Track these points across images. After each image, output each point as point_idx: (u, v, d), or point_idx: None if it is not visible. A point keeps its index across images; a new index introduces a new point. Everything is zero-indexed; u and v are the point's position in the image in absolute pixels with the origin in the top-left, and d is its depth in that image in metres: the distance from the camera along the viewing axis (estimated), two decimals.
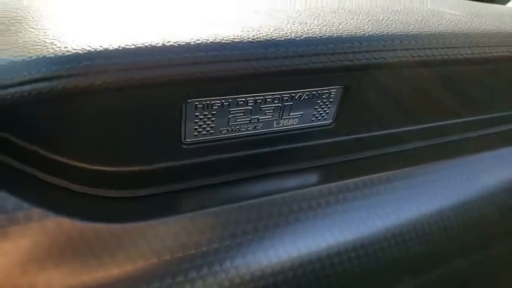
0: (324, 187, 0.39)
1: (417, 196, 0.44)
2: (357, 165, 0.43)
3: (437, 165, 0.47)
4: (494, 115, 0.54)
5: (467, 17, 0.44)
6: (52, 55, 0.23)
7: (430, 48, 0.39)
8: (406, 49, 0.37)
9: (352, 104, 0.40)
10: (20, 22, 0.30)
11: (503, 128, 0.55)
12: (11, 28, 0.29)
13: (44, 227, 0.29)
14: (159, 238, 0.32)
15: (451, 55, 0.40)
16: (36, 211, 0.29)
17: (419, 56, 0.38)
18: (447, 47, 0.40)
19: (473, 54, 0.41)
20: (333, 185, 0.40)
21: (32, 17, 0.30)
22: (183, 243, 0.32)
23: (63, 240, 0.29)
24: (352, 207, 0.40)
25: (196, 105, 0.33)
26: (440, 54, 0.39)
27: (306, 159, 0.41)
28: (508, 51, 0.43)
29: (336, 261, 0.40)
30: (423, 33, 0.39)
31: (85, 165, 0.31)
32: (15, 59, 0.25)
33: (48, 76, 0.23)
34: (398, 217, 0.43)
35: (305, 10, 0.39)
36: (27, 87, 0.24)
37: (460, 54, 0.40)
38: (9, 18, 0.31)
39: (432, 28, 0.40)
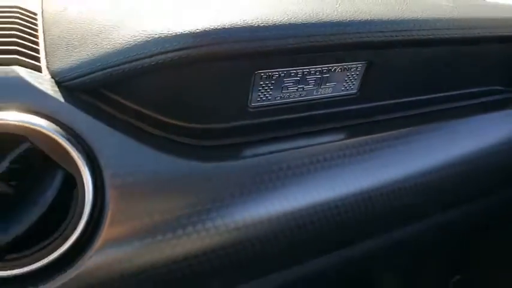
0: (349, 141, 0.50)
1: (415, 152, 0.56)
2: (373, 126, 0.54)
3: (430, 128, 0.58)
4: (474, 89, 0.66)
5: (459, 7, 0.55)
6: (187, 31, 0.33)
7: (427, 29, 0.49)
8: (413, 30, 0.48)
9: (372, 77, 0.50)
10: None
11: (482, 99, 0.67)
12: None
13: (158, 165, 0.39)
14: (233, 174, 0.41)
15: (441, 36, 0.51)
16: (151, 155, 0.38)
17: (423, 35, 0.49)
18: (438, 29, 0.50)
19: (458, 35, 0.52)
20: (355, 140, 0.50)
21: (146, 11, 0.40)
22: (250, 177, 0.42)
23: (170, 175, 0.39)
24: (368, 158, 0.51)
25: (262, 75, 0.43)
26: (437, 35, 0.50)
27: (336, 121, 0.51)
28: (490, 33, 0.55)
29: (360, 200, 0.51)
30: (426, 18, 0.50)
31: (183, 124, 0.41)
32: (153, 37, 0.35)
33: (189, 45, 0.33)
34: (398, 168, 0.54)
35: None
36: (169, 55, 0.34)
37: (447, 35, 0.51)
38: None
39: (431, 14, 0.51)
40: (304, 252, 0.51)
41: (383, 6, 0.50)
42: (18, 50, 0.40)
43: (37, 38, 0.44)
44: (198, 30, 0.34)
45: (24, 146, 0.34)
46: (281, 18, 0.39)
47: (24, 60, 0.39)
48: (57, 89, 0.38)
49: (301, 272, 0.56)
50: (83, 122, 0.37)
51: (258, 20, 0.37)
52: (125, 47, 0.37)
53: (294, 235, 0.47)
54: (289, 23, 0.39)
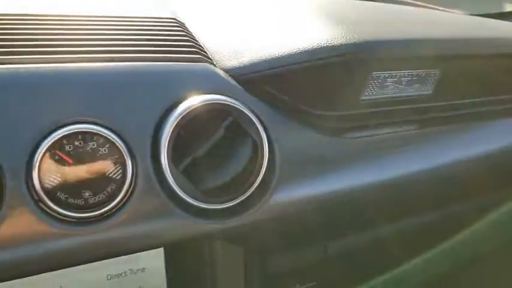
0: (421, 131, 0.64)
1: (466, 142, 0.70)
2: (439, 120, 0.69)
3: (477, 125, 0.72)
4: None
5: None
6: (349, 41, 0.48)
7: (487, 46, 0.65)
8: (479, 47, 0.63)
9: (443, 81, 0.65)
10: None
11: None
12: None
13: (307, 140, 0.53)
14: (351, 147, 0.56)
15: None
16: (301, 131, 0.53)
17: (484, 50, 0.64)
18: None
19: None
20: (426, 130, 0.65)
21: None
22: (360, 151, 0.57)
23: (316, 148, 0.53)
24: (433, 144, 0.66)
25: (373, 76, 0.58)
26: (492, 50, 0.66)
27: (414, 114, 0.66)
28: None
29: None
30: (476, 37, 0.65)
31: (320, 112, 0.55)
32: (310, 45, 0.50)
33: (343, 52, 0.48)
34: (454, 154, 0.68)
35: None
36: (321, 61, 0.49)
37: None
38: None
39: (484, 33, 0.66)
40: (388, 214, 0.65)
41: (448, 27, 0.66)
42: (198, 52, 0.54)
43: (198, 43, 0.58)
44: (348, 42, 0.49)
45: (229, 120, 0.48)
46: (400, 36, 0.54)
47: (205, 59, 0.53)
48: (235, 81, 0.52)
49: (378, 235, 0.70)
50: (258, 105, 0.51)
51: (387, 35, 0.52)
52: (289, 52, 0.52)
53: (382, 199, 0.61)
54: (405, 39, 0.54)
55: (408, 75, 0.61)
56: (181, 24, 0.61)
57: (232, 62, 0.54)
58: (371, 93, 0.60)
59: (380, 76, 0.58)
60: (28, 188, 0.40)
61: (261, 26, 0.61)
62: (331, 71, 0.52)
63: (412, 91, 0.64)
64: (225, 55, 0.56)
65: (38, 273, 0.43)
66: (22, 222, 0.40)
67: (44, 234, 0.41)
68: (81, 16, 0.56)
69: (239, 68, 0.53)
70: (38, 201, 0.41)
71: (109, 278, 0.50)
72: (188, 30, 0.60)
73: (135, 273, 0.51)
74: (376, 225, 0.62)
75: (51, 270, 0.44)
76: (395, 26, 0.58)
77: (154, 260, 0.51)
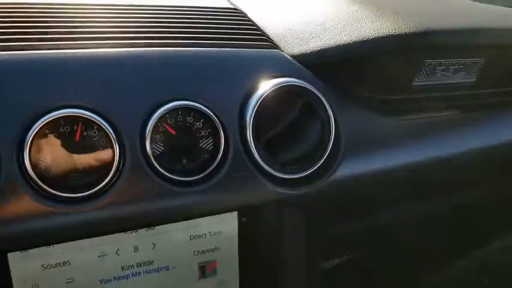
0: (464, 115, 0.70)
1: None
2: (482, 105, 0.74)
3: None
4: None
5: None
6: (409, 31, 0.54)
7: None
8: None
9: (485, 70, 0.70)
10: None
11: None
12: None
13: (365, 121, 0.59)
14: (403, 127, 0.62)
15: None
16: (361, 113, 0.59)
17: None
18: None
19: None
20: (470, 114, 0.70)
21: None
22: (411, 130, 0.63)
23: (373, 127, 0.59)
24: (473, 127, 0.71)
25: (425, 64, 0.63)
26: None
27: (460, 100, 0.71)
28: None
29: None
30: None
31: (376, 95, 0.61)
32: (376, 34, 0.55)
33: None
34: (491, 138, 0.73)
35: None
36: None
37: None
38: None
39: None
40: (433, 190, 0.71)
41: (492, 18, 0.71)
42: (266, 39, 0.60)
43: (263, 31, 0.64)
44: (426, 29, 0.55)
45: (302, 101, 0.54)
46: (453, 26, 0.59)
47: (274, 46, 0.60)
48: (303, 66, 0.58)
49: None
50: (324, 88, 0.57)
51: (442, 25, 0.58)
52: (355, 40, 0.57)
53: (428, 175, 0.67)
54: (458, 29, 0.59)
55: (455, 63, 0.66)
56: (245, 14, 0.67)
57: (299, 49, 0.60)
58: (422, 79, 0.65)
59: (431, 64, 0.64)
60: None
61: (316, 15, 0.67)
62: (391, 58, 0.58)
63: (458, 79, 0.69)
64: (290, 42, 0.62)
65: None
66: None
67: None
68: (157, 6, 0.62)
69: (306, 54, 0.59)
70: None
71: (191, 238, 0.57)
72: (251, 19, 0.66)
73: (213, 236, 0.58)
74: (422, 201, 0.69)
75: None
76: (447, 17, 0.63)
77: (229, 224, 0.58)
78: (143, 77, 0.48)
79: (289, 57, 0.58)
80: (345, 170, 0.57)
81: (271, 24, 0.66)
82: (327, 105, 0.55)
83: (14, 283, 0.48)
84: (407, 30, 0.54)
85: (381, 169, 0.60)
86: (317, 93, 0.55)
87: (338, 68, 0.59)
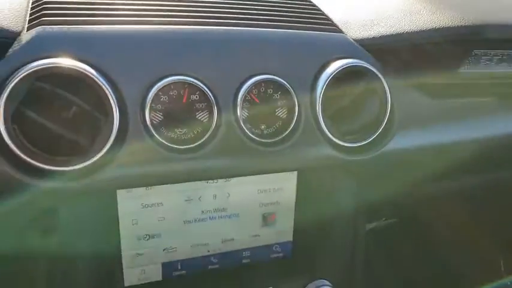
0: (502, 102, 0.77)
1: None
2: None
3: None
4: None
5: None
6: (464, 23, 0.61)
7: None
8: None
9: None
10: None
11: None
12: None
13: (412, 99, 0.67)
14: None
15: None
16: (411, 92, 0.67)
17: None
18: None
19: None
20: (507, 101, 0.78)
21: None
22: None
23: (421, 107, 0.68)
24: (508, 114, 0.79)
25: (473, 53, 0.71)
26: None
27: (498, 88, 0.79)
28: None
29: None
30: None
31: (428, 80, 0.69)
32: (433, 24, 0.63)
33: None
34: None
35: None
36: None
37: None
38: None
39: None
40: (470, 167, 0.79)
41: None
42: (331, 23, 0.68)
43: (328, 16, 0.72)
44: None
45: (365, 80, 0.63)
46: (505, 21, 0.66)
47: (339, 30, 0.68)
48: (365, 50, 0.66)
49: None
50: (383, 70, 0.65)
51: (491, 19, 0.65)
52: (416, 29, 0.65)
53: (468, 153, 0.75)
54: (507, 24, 0.67)
55: (499, 54, 0.74)
56: (312, 2, 0.75)
57: (362, 34, 0.68)
58: (467, 67, 0.73)
59: (478, 54, 0.71)
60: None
61: (378, 4, 0.74)
62: (444, 47, 0.66)
63: (499, 68, 0.76)
64: (354, 28, 0.70)
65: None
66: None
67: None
68: None
69: (368, 39, 0.67)
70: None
71: (258, 192, 0.67)
72: (318, 7, 0.74)
73: (275, 191, 0.68)
74: (461, 176, 0.77)
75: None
76: (498, 12, 0.70)
77: (289, 182, 0.68)
78: (237, 52, 0.57)
79: (352, 41, 0.66)
80: (396, 144, 0.65)
81: (336, 11, 0.74)
82: (386, 86, 0.63)
83: (119, 216, 0.59)
84: (462, 23, 0.62)
85: (426, 145, 0.68)
86: (378, 74, 0.63)
87: (396, 52, 0.67)
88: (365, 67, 0.62)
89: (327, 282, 0.71)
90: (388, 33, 0.66)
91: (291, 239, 0.72)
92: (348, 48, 0.65)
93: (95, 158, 0.50)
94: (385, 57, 0.67)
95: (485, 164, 0.78)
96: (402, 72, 0.68)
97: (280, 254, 0.72)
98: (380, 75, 0.63)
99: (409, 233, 0.89)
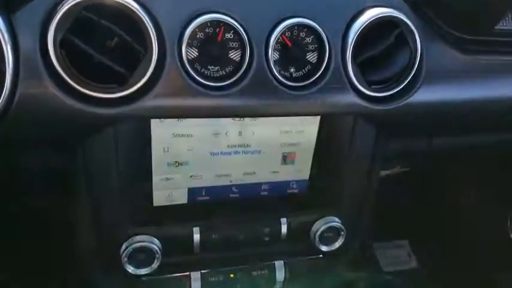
0: None
1: None
2: None
3: None
4: None
5: None
6: None
7: None
8: None
9: None
10: None
11: None
12: None
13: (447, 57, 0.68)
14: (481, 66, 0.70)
15: None
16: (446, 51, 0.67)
17: None
18: None
19: None
20: None
21: None
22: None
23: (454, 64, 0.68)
24: None
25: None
26: None
27: None
28: None
29: None
30: None
31: (461, 35, 0.69)
32: None
33: None
34: None
35: None
36: None
37: None
38: None
39: None
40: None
41: None
42: None
43: None
44: None
45: (398, 30, 0.63)
46: None
47: None
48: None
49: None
50: (417, 22, 0.65)
51: None
52: None
53: (495, 111, 0.75)
54: None
55: None
56: None
57: None
58: (504, 24, 0.72)
59: None
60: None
61: None
62: (483, 2, 0.65)
63: None
64: None
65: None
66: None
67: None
68: None
69: None
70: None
71: (281, 132, 0.71)
72: None
73: (297, 133, 0.72)
74: (479, 134, 0.79)
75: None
76: None
77: (311, 125, 0.71)
78: None
79: None
80: (421, 96, 0.67)
81: None
82: (417, 38, 0.64)
83: (152, 143, 0.64)
84: None
85: (451, 100, 0.69)
86: (412, 26, 0.63)
87: (432, 6, 0.66)
88: (399, 18, 0.62)
89: (336, 219, 0.76)
90: None
91: (307, 177, 0.77)
92: None
93: (133, 88, 0.54)
94: (421, 7, 0.67)
95: (504, 123, 0.79)
96: (435, 24, 0.68)
97: (296, 190, 0.77)
98: (413, 28, 0.63)
99: (421, 183, 0.92)
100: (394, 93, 0.66)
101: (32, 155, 0.63)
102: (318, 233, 0.75)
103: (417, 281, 1.28)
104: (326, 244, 0.77)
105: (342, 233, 0.77)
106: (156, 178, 0.68)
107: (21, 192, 0.73)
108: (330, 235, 0.77)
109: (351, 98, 0.64)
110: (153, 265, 0.67)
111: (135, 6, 0.52)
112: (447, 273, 1.21)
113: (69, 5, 0.50)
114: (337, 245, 0.77)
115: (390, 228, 1.25)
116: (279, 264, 0.79)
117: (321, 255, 0.80)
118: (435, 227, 1.27)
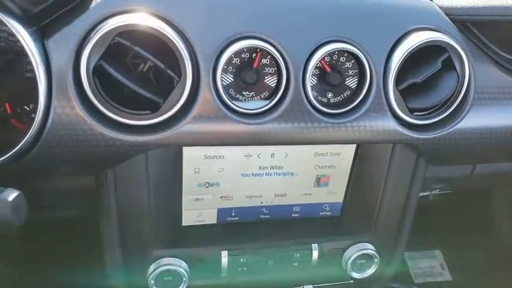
0: None
1: None
2: None
3: None
4: None
5: None
6: None
7: None
8: None
9: None
10: None
11: None
12: None
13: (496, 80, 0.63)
14: None
15: None
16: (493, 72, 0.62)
17: None
18: None
19: None
20: None
21: None
22: None
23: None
24: None
25: None
26: None
27: None
28: None
29: None
30: None
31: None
32: None
33: None
34: None
35: None
36: None
37: None
38: None
39: None
40: None
41: None
42: None
43: None
44: None
45: (445, 55, 0.59)
46: None
47: None
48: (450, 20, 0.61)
49: None
50: (466, 44, 0.60)
51: None
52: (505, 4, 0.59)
53: None
54: None
55: None
56: None
57: (450, 2, 0.62)
58: None
59: None
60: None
61: None
62: None
63: None
64: None
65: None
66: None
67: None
68: None
69: (456, 9, 0.61)
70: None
71: (315, 155, 0.68)
72: None
73: (333, 155, 0.69)
74: None
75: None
76: None
77: (347, 149, 0.68)
78: (313, 17, 0.55)
79: (439, 10, 0.61)
80: (467, 123, 0.63)
81: None
82: (466, 62, 0.59)
83: (183, 164, 0.63)
84: None
85: (498, 125, 0.65)
86: (460, 51, 0.58)
87: (483, 25, 0.61)
88: (447, 43, 0.58)
89: (370, 246, 0.73)
90: (478, 5, 0.60)
91: (341, 200, 0.74)
92: (432, 18, 0.60)
93: (166, 115, 0.53)
94: (471, 29, 0.62)
95: None
96: (485, 47, 0.63)
97: (329, 213, 0.75)
98: (462, 52, 0.58)
99: (462, 206, 0.87)
100: (438, 120, 0.62)
101: (62, 174, 0.63)
102: (351, 260, 0.72)
103: None
104: (358, 271, 0.74)
105: (376, 260, 0.73)
106: (185, 198, 0.67)
107: (50, 206, 0.73)
108: (362, 262, 0.74)
109: (392, 126, 0.60)
110: None
111: (169, 32, 0.50)
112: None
113: (103, 32, 0.48)
114: (369, 272, 0.74)
115: (422, 237, 1.19)
116: None
117: (351, 281, 0.78)
118: (469, 237, 1.21)
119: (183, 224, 0.70)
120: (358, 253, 0.72)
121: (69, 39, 0.49)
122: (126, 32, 0.50)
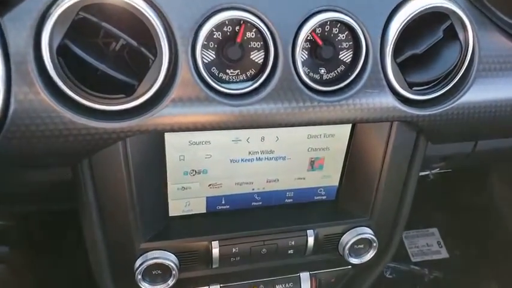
0: None
1: None
2: None
3: None
4: None
5: None
6: None
7: None
8: None
9: None
10: None
11: None
12: None
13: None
14: None
15: None
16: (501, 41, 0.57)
17: None
18: None
19: None
20: None
21: None
22: None
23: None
24: None
25: None
26: None
27: None
28: None
29: None
30: None
31: None
32: None
33: None
34: None
35: None
36: None
37: None
38: None
39: None
40: None
41: None
42: None
43: None
44: None
45: (447, 23, 0.54)
46: None
47: None
48: None
49: None
50: (470, 11, 0.56)
51: None
52: None
53: None
54: None
55: None
56: None
57: None
58: None
59: None
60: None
61: None
62: None
63: None
64: None
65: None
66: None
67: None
68: None
69: None
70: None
71: (308, 137, 0.63)
72: None
73: (327, 137, 0.64)
74: None
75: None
76: None
77: (342, 129, 0.64)
78: None
79: None
80: (471, 96, 0.58)
81: None
82: (470, 30, 0.54)
83: (166, 152, 0.58)
84: None
85: (505, 98, 0.60)
86: (464, 17, 0.53)
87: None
88: (449, 9, 0.53)
89: (368, 230, 0.69)
90: None
91: (336, 184, 0.70)
92: None
93: (142, 99, 0.48)
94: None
95: None
96: (489, 11, 0.58)
97: (324, 197, 0.71)
98: (465, 19, 0.54)
99: (462, 185, 0.84)
100: (439, 95, 0.57)
101: (36, 167, 0.58)
102: (348, 245, 0.68)
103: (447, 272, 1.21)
104: (356, 256, 0.70)
105: (374, 244, 0.70)
106: (171, 187, 0.63)
107: (30, 200, 0.69)
108: (360, 247, 0.70)
109: (391, 103, 0.56)
110: (169, 282, 0.63)
111: (141, 5, 0.44)
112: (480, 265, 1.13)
113: (65, 6, 0.43)
114: (368, 257, 0.71)
115: (419, 216, 1.16)
116: (304, 276, 0.73)
117: (349, 267, 0.74)
118: (467, 217, 1.19)
119: (170, 214, 0.65)
120: (356, 238, 0.68)
121: (27, 15, 0.43)
122: (92, 7, 0.44)
